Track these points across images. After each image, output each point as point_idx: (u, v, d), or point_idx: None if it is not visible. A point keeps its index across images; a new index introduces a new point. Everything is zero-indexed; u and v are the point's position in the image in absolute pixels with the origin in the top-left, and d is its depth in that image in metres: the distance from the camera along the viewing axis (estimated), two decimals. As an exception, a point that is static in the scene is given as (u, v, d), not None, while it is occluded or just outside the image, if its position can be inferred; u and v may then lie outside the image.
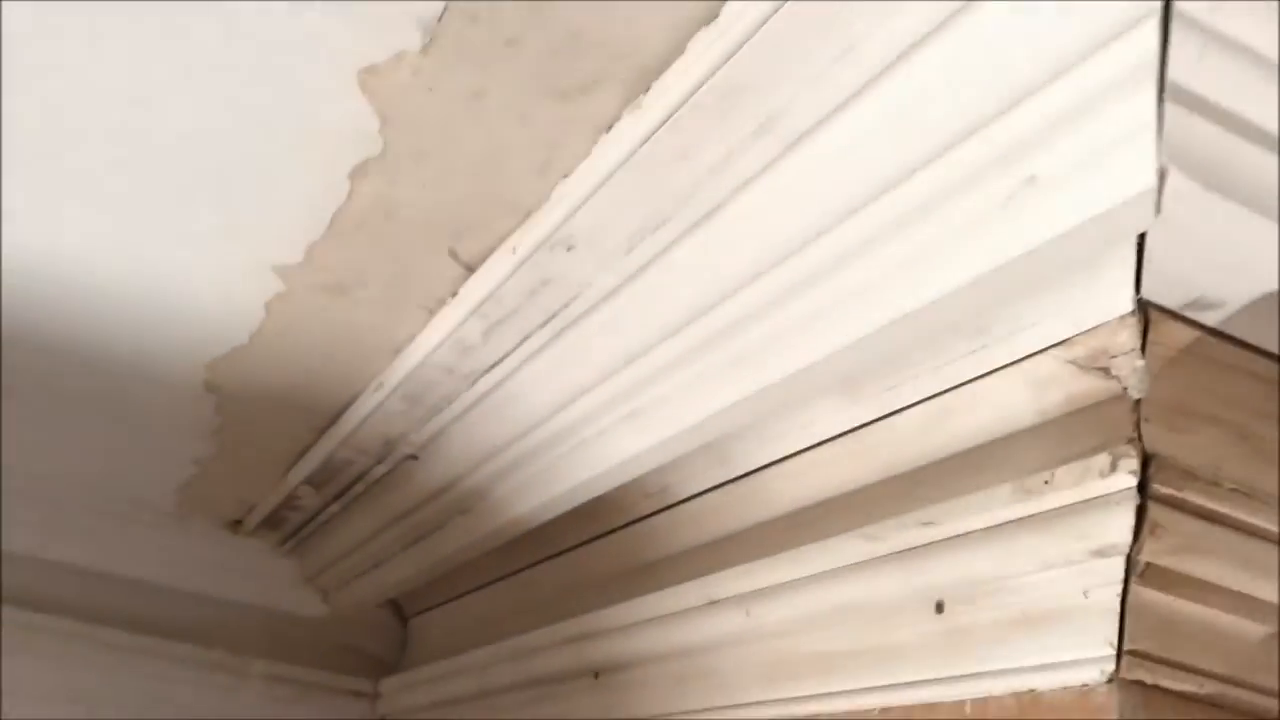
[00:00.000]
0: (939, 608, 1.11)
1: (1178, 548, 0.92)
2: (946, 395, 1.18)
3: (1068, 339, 1.05)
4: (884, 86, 0.83)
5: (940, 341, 1.13)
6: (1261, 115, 0.74)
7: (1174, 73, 0.71)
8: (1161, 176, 0.75)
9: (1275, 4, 0.69)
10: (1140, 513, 0.90)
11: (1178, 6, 0.69)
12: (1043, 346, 1.07)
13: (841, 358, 1.07)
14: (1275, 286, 0.95)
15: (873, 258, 0.92)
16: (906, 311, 0.92)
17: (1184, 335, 1.01)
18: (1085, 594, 0.97)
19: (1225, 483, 0.94)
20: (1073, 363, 1.06)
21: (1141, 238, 0.94)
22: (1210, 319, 1.01)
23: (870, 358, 1.09)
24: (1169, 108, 0.73)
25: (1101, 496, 0.93)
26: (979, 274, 0.89)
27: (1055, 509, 0.97)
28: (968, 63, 0.79)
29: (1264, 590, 0.97)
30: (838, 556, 1.19)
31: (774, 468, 1.42)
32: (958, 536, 1.06)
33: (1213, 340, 1.03)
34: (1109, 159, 0.76)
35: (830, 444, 1.32)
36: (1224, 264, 0.93)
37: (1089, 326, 1.03)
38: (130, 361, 1.52)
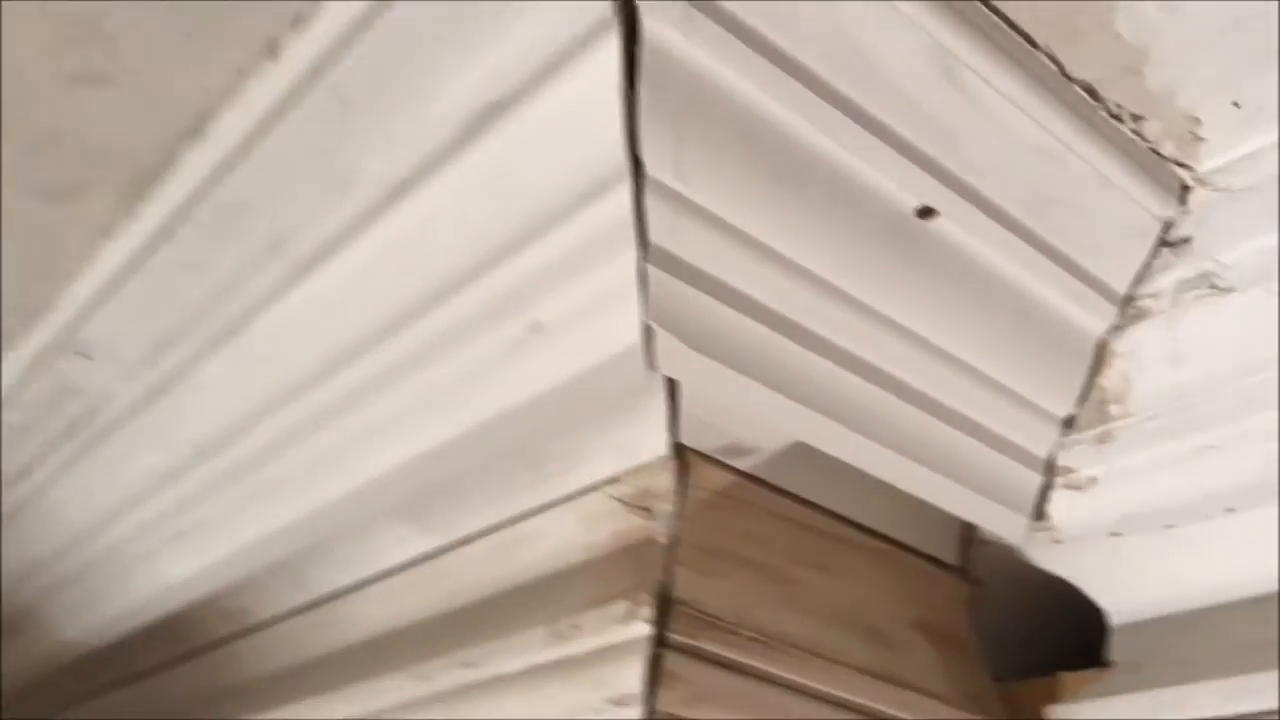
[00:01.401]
0: (483, 756, 1.06)
1: (693, 698, 0.90)
2: (510, 528, 1.14)
3: (617, 476, 1.03)
4: (389, 219, 0.80)
5: (500, 472, 1.09)
6: (738, 280, 0.75)
7: (654, 235, 0.71)
8: (647, 333, 0.74)
9: (744, 177, 0.71)
10: (656, 661, 0.88)
11: (650, 176, 0.69)
12: (594, 482, 1.06)
13: (384, 485, 1.01)
14: (801, 439, 0.97)
15: (392, 392, 0.88)
16: (424, 450, 0.88)
17: (721, 479, 1.02)
18: (606, 744, 0.94)
19: (745, 631, 0.94)
20: (620, 500, 1.05)
21: (673, 384, 0.93)
22: (745, 464, 1.02)
23: (417, 488, 1.04)
24: (653, 270, 0.72)
25: (619, 645, 0.90)
26: (500, 411, 0.86)
27: (581, 654, 0.94)
28: (470, 201, 0.77)
29: None
30: (389, 696, 1.12)
31: (352, 594, 1.34)
32: (495, 679, 1.02)
33: (749, 484, 1.04)
34: (601, 313, 0.75)
35: (401, 573, 1.25)
36: (744, 418, 0.94)
37: (634, 465, 1.01)
38: None
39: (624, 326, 0.75)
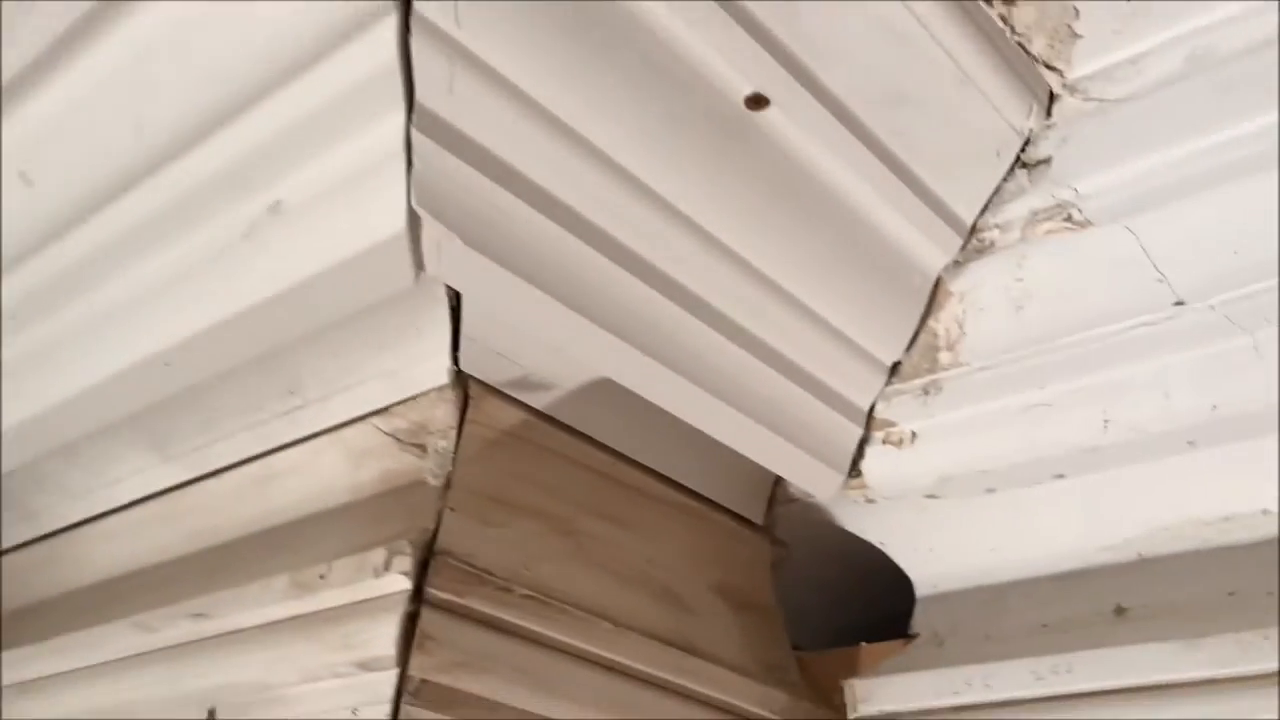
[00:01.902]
0: (211, 715, 0.91)
1: (453, 663, 0.78)
2: (263, 461, 0.99)
3: (388, 407, 0.90)
4: (97, 46, 0.64)
5: (252, 394, 0.94)
6: (526, 161, 0.62)
7: (423, 94, 0.57)
8: (414, 223, 0.60)
9: (542, 30, 0.57)
10: (412, 621, 0.75)
11: (421, 14, 0.55)
12: (362, 413, 0.92)
13: (110, 393, 0.85)
14: (603, 374, 0.85)
15: (115, 275, 0.73)
16: (155, 350, 0.73)
17: (507, 416, 0.90)
18: (355, 711, 0.81)
19: (520, 588, 0.82)
20: (392, 435, 0.92)
21: (458, 299, 0.80)
22: (537, 401, 0.90)
23: (153, 404, 0.88)
24: (421, 140, 0.58)
25: (371, 600, 0.77)
26: (241, 308, 0.71)
27: (327, 609, 0.80)
28: (195, 30, 0.61)
29: (559, 710, 0.85)
30: (105, 648, 0.96)
31: (84, 530, 1.17)
32: (231, 634, 0.87)
33: (539, 423, 0.92)
34: (355, 193, 0.61)
35: (140, 508, 1.09)
36: (537, 341, 0.82)
37: (408, 395, 0.88)
38: None
39: (385, 212, 0.61)
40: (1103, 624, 0.91)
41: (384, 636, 0.76)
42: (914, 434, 0.88)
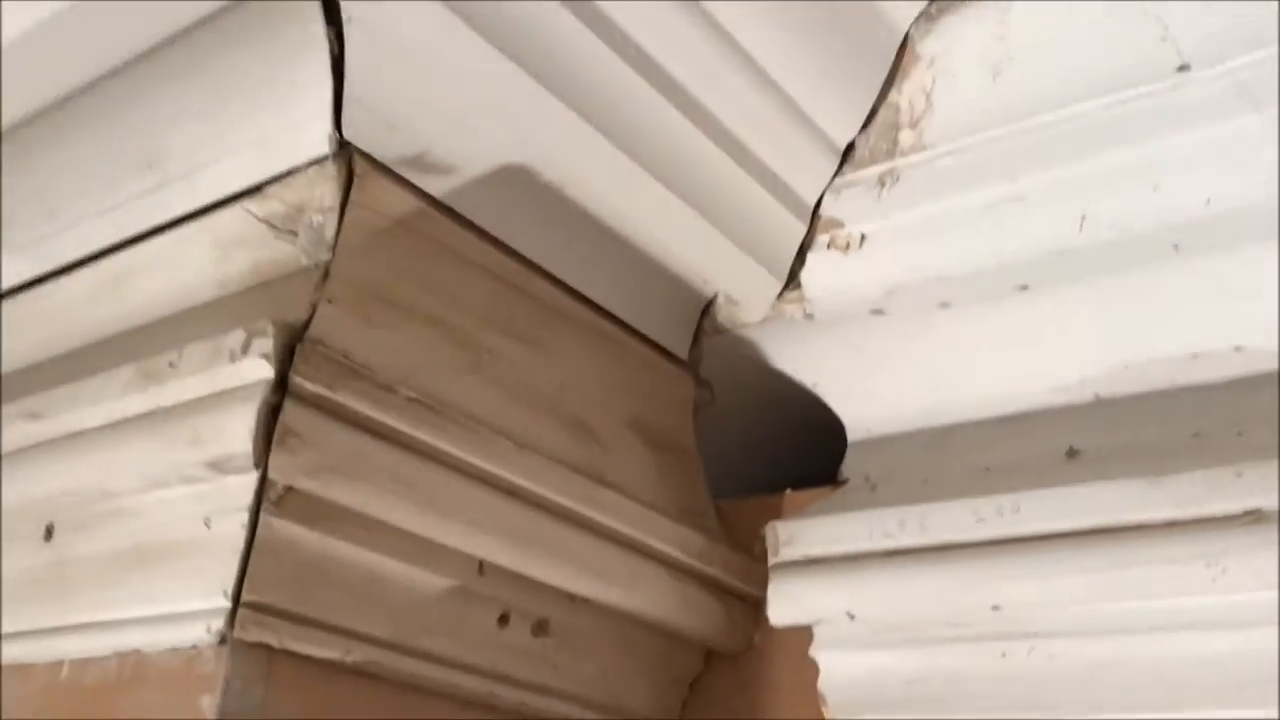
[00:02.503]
0: (49, 532, 0.80)
1: (324, 466, 0.67)
2: (121, 254, 0.86)
3: (262, 186, 0.77)
4: None
5: (103, 169, 0.81)
6: None
7: None
8: None
9: None
10: (272, 413, 0.64)
11: None
12: (232, 193, 0.79)
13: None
14: (520, 157, 0.73)
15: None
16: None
17: (401, 202, 0.78)
18: (207, 523, 0.69)
19: (406, 389, 0.71)
20: (267, 222, 0.79)
21: (340, 44, 0.68)
22: (438, 187, 0.78)
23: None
24: None
25: (229, 391, 0.66)
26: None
27: (177, 405, 0.69)
28: None
29: (449, 533, 0.75)
30: (-71, 456, 0.83)
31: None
32: (69, 436, 0.75)
33: (439, 216, 0.80)
34: None
35: (-18, 305, 0.96)
36: (449, 108, 0.70)
37: (283, 170, 0.75)
38: None
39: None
40: (1054, 466, 0.83)
41: (239, 429, 0.65)
42: (863, 236, 0.78)
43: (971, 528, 0.80)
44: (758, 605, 0.98)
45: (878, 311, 0.82)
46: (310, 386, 0.66)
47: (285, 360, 0.66)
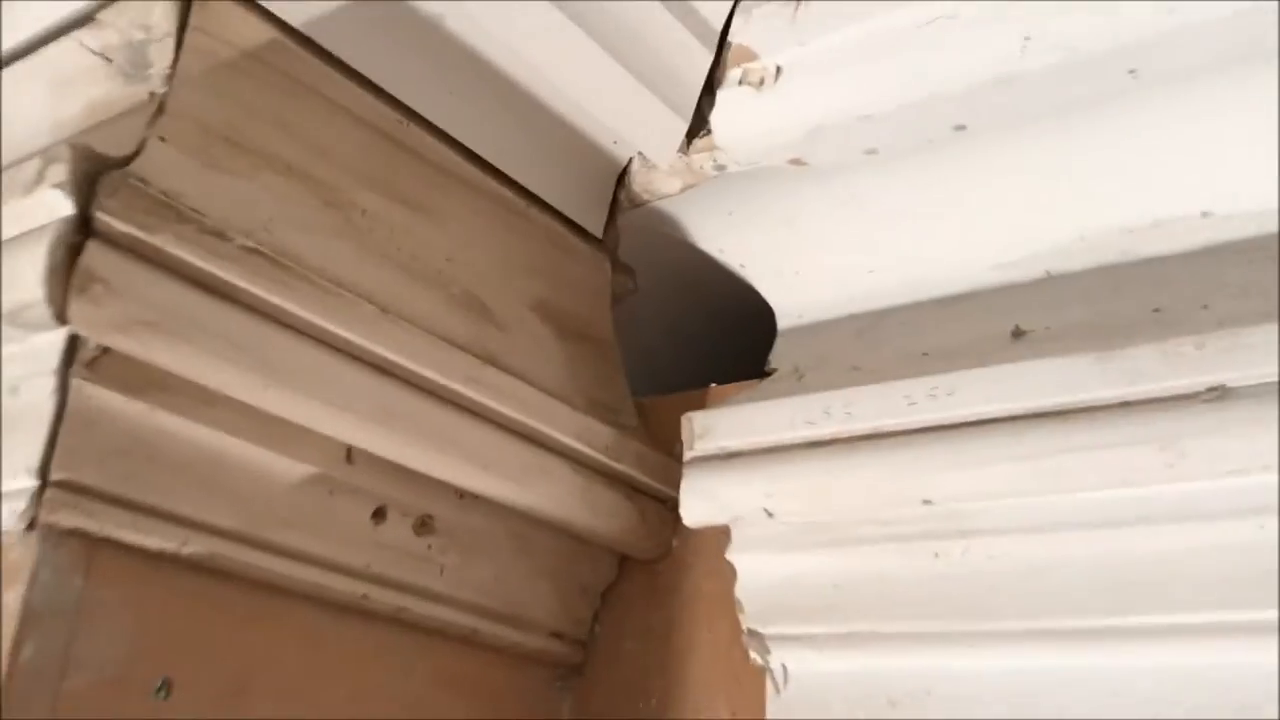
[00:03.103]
0: None
1: (140, 321, 0.58)
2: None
3: (94, 14, 0.67)
4: None
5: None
6: None
7: None
8: None
9: None
10: (71, 253, 0.54)
11: None
12: (61, 23, 0.68)
13: None
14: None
15: None
16: None
17: (253, 31, 0.68)
18: (14, 390, 0.60)
19: (247, 239, 0.61)
20: (101, 55, 0.69)
21: None
22: (296, 14, 0.68)
23: None
24: None
25: (25, 234, 0.56)
26: None
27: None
28: None
29: (305, 411, 0.66)
30: None
31: None
32: None
33: (304, 54, 0.70)
34: None
35: None
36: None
37: (114, -2, 0.65)
38: None
39: None
40: (997, 348, 0.73)
41: (29, 273, 0.55)
42: (779, 69, 0.68)
43: (902, 412, 0.71)
44: (677, 508, 0.89)
45: (797, 162, 0.72)
46: (119, 226, 0.56)
47: (87, 194, 0.56)
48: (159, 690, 0.63)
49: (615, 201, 0.86)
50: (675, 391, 0.94)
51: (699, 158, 0.73)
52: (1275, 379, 0.59)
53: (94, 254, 0.56)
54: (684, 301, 1.00)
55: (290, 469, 0.68)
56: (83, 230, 0.56)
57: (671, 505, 0.89)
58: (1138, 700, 0.64)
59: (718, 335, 1.04)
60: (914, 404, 0.70)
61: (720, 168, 0.73)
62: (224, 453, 0.65)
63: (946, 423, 0.70)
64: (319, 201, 0.70)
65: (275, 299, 0.63)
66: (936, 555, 0.72)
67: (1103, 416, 0.65)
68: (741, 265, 0.87)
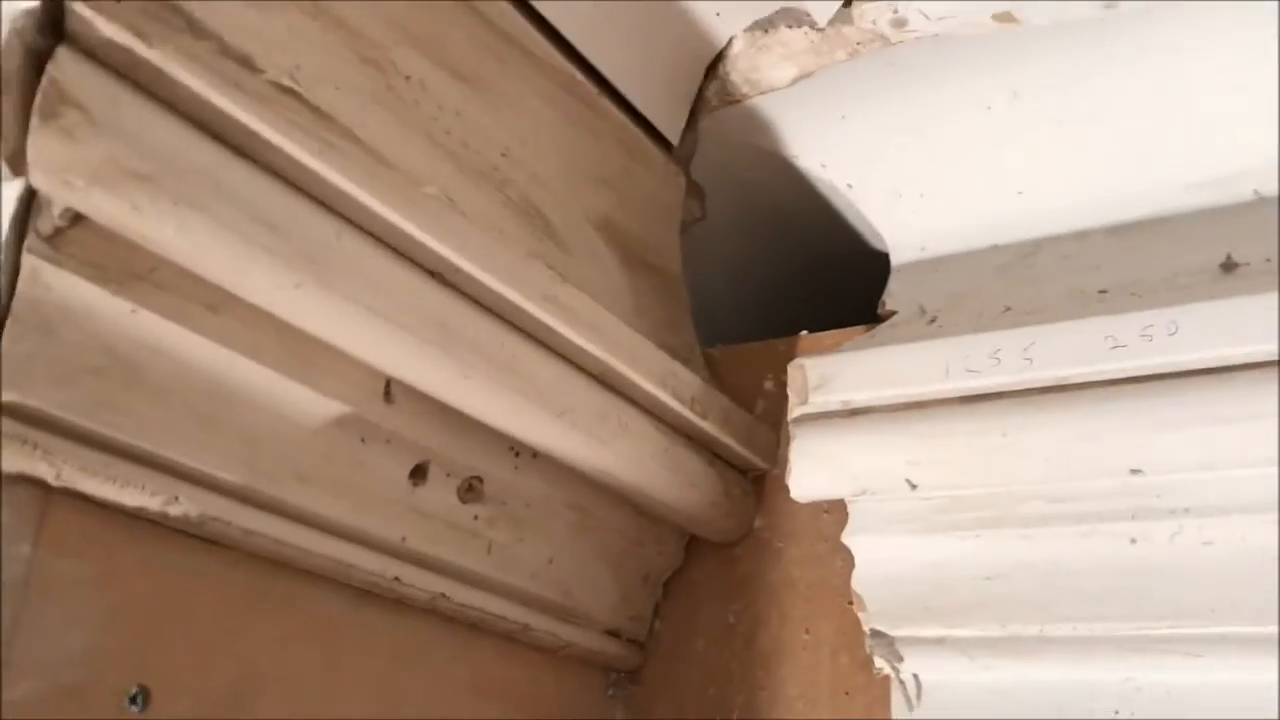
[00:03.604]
0: None
1: (128, 172, 0.40)
2: None
3: None
4: None
5: None
6: None
7: None
8: None
9: None
10: (37, 63, 0.36)
11: None
12: None
13: None
14: None
15: None
16: None
17: None
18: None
19: (275, 74, 0.43)
20: None
21: None
22: None
23: None
24: None
25: None
26: None
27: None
28: None
29: (339, 322, 0.48)
30: None
31: None
32: None
33: None
34: None
35: None
36: None
37: None
38: None
39: None
40: (1203, 280, 0.58)
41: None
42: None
43: (1103, 357, 0.55)
44: (759, 481, 0.73)
45: (1006, 18, 0.56)
46: (103, 29, 0.38)
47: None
48: (133, 700, 0.45)
49: (700, 99, 0.69)
50: (731, 343, 0.78)
51: (871, 6, 0.56)
52: None
53: (65, 65, 0.37)
54: (754, 236, 0.83)
55: (314, 406, 0.51)
56: (52, 31, 0.38)
57: (754, 477, 0.73)
58: None
59: (786, 280, 0.88)
60: (1120, 346, 0.54)
61: (900, 22, 0.56)
62: (230, 378, 0.47)
63: (1165, 371, 0.54)
64: (353, 55, 0.52)
65: (316, 164, 0.45)
66: (1134, 540, 0.56)
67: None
68: (849, 185, 0.71)
